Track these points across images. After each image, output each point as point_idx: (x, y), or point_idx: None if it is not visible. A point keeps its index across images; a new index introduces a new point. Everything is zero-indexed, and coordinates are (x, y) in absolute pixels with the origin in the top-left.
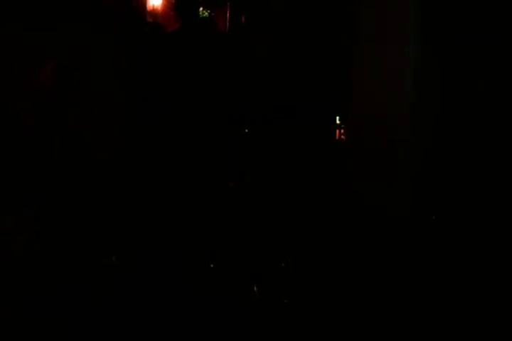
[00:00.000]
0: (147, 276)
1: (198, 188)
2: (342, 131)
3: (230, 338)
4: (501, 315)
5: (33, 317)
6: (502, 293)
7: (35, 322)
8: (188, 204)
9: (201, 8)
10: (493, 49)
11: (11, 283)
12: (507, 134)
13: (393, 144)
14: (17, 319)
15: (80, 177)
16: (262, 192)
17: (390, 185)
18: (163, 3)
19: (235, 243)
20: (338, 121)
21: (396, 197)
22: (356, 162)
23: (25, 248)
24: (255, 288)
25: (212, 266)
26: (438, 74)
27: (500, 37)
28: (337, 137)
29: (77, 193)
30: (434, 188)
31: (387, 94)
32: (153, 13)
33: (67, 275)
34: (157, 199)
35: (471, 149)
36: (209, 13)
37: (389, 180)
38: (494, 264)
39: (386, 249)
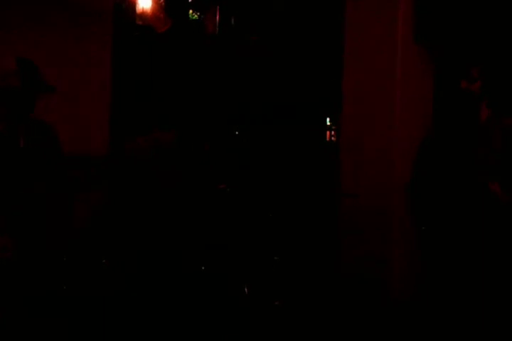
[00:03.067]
0: (140, 277)
1: (191, 189)
2: (332, 132)
3: (225, 337)
4: None
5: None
6: None
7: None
8: (181, 205)
9: (191, 11)
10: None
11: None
12: None
13: (382, 145)
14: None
15: (55, 176)
16: (253, 193)
17: (380, 183)
18: (152, 5)
19: (227, 243)
20: (328, 123)
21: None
22: (346, 162)
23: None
24: (247, 288)
25: (204, 267)
26: (428, 76)
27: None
28: (327, 138)
29: (55, 193)
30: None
31: (377, 97)
32: (143, 15)
33: (51, 279)
34: (147, 198)
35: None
36: (198, 16)
37: (379, 179)
38: None
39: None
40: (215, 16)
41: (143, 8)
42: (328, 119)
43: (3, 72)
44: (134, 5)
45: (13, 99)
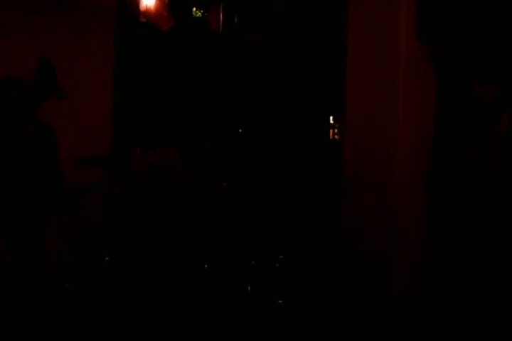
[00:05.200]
0: (143, 276)
1: (194, 188)
2: (336, 130)
3: (228, 336)
4: None
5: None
6: None
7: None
8: (184, 203)
9: (194, 9)
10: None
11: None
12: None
13: (385, 144)
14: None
15: (55, 176)
16: (256, 192)
17: (383, 183)
18: (156, 3)
19: (229, 241)
20: (331, 121)
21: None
22: (349, 161)
23: None
24: (249, 287)
25: (206, 265)
26: (431, 75)
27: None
28: (331, 137)
29: (53, 193)
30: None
31: (380, 95)
32: (147, 13)
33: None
34: (150, 198)
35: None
36: (202, 14)
37: (381, 178)
38: None
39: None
40: (219, 14)
41: (146, 6)
42: (331, 118)
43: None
44: (137, 2)
45: (23, 95)
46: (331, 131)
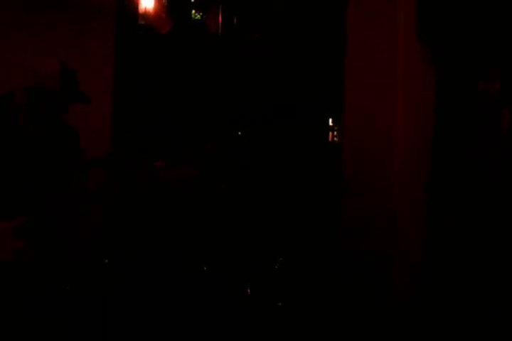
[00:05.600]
0: (142, 277)
1: (192, 189)
2: (335, 132)
3: (227, 338)
4: None
5: (22, 322)
6: None
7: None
8: (184, 205)
9: (193, 11)
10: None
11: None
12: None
13: (385, 144)
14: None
15: (73, 180)
16: (255, 193)
17: (382, 184)
18: (155, 5)
19: (229, 243)
20: (330, 123)
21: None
22: (349, 161)
23: (17, 256)
24: (249, 289)
25: (206, 267)
26: (431, 75)
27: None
28: (330, 139)
29: (71, 196)
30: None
31: (379, 96)
32: (146, 15)
33: (63, 281)
34: (152, 200)
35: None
36: (201, 16)
37: (381, 179)
38: None
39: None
40: (218, 16)
41: (145, 8)
42: (330, 120)
43: (43, 73)
44: (136, 4)
45: (48, 101)
46: (331, 133)
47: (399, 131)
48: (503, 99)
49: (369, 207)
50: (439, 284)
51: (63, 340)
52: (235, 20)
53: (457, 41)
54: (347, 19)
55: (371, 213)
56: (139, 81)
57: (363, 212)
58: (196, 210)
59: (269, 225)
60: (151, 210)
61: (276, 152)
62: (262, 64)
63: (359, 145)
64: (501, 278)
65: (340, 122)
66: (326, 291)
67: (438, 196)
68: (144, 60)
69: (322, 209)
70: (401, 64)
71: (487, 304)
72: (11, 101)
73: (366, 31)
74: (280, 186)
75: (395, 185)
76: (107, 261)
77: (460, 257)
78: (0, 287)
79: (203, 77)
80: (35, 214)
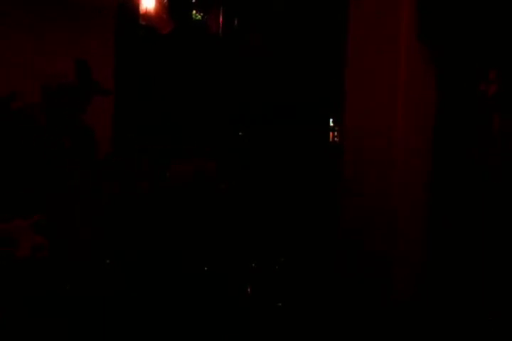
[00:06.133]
0: (143, 277)
1: (193, 189)
2: (335, 133)
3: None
4: None
5: (33, 319)
6: None
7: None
8: (183, 205)
9: (194, 11)
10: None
11: (14, 286)
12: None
13: (385, 144)
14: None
15: (89, 179)
16: (256, 193)
17: (382, 184)
18: (156, 6)
19: (229, 243)
20: (331, 124)
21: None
22: (349, 161)
23: (34, 252)
24: (250, 289)
25: (206, 267)
26: (431, 76)
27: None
28: (331, 139)
29: (87, 195)
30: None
31: (380, 96)
32: (146, 16)
33: (63, 281)
34: (158, 200)
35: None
36: (202, 16)
37: (381, 179)
38: None
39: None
40: (219, 17)
41: (146, 9)
42: (331, 120)
43: (59, 72)
44: (137, 5)
45: (68, 99)
46: (331, 133)
47: (399, 131)
48: (504, 99)
49: (369, 207)
50: (439, 284)
51: (63, 340)
52: (235, 21)
53: (458, 41)
54: (348, 20)
55: (371, 213)
56: (139, 81)
57: (363, 212)
58: (197, 210)
59: (270, 225)
60: (151, 210)
61: (277, 152)
62: (262, 64)
63: (359, 146)
64: (501, 278)
65: (340, 122)
66: (326, 291)
67: (438, 196)
68: (144, 60)
69: (322, 209)
70: (402, 64)
71: (487, 304)
72: (14, 101)
73: (367, 31)
74: (280, 186)
75: (395, 185)
76: (107, 261)
77: (460, 257)
78: (2, 286)
79: (203, 77)
80: (46, 213)
